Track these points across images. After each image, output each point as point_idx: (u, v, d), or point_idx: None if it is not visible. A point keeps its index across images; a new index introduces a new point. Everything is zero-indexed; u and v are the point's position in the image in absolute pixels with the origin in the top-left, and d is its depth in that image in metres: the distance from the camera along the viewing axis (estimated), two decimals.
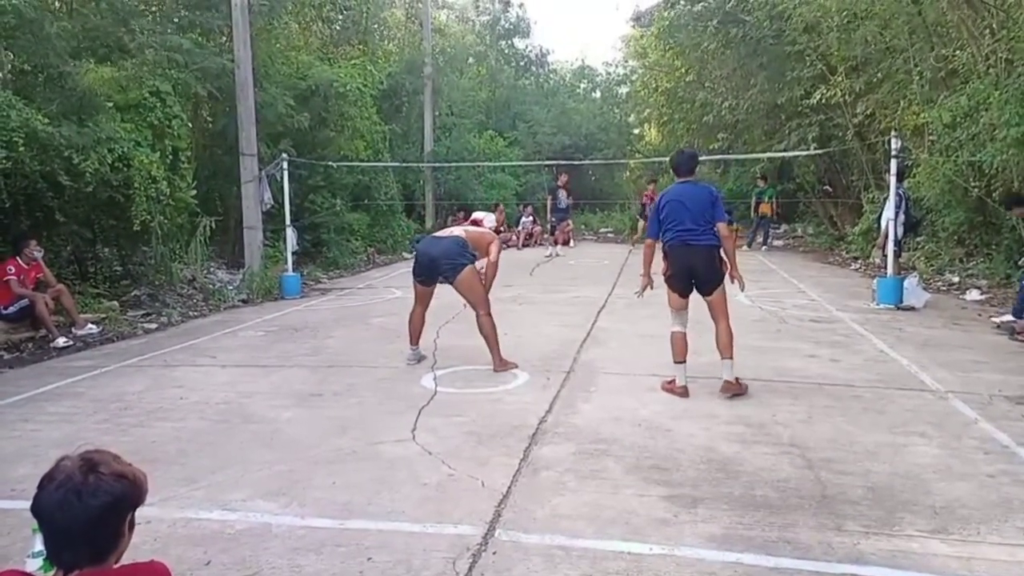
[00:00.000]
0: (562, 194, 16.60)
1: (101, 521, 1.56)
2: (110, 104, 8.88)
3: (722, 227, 5.13)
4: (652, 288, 5.46)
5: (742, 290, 5.45)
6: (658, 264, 5.30)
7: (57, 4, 10.38)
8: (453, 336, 7.29)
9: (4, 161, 7.00)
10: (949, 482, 3.64)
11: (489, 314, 6.02)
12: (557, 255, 15.49)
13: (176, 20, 11.53)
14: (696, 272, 5.15)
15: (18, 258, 7.69)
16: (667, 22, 18.02)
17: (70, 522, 1.54)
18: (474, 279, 5.99)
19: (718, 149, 18.08)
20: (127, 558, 1.69)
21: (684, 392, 5.17)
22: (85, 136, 8.01)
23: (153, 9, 11.55)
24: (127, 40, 9.85)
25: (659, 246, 5.35)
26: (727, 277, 5.22)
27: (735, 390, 5.10)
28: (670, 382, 5.31)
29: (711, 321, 5.29)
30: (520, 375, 5.84)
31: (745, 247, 15.64)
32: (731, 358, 5.15)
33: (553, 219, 16.73)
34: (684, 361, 5.22)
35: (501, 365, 6.00)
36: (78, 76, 8.46)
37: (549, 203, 16.98)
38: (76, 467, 1.58)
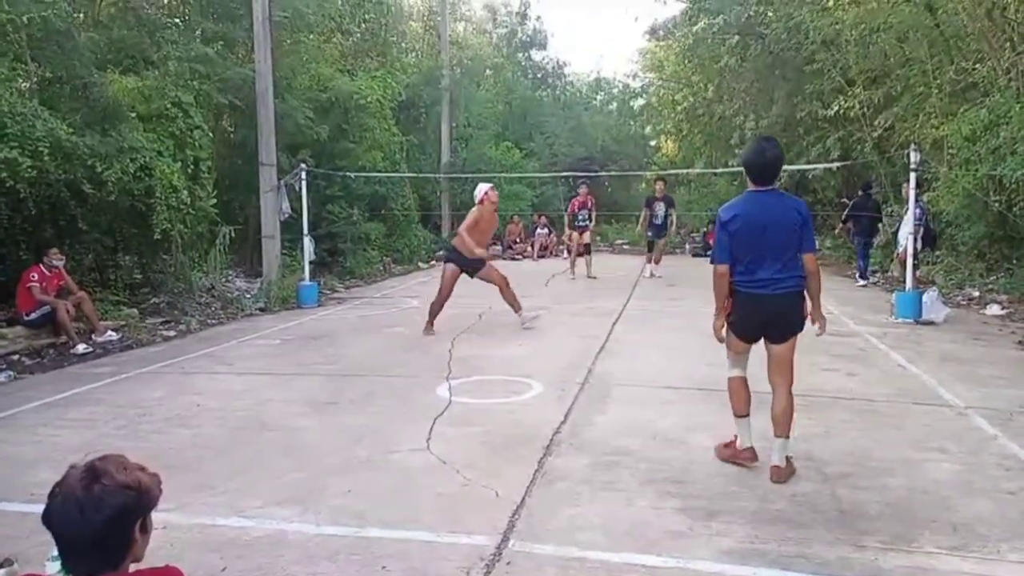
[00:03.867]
0: (659, 207, 13.35)
1: (106, 533, 1.56)
2: (133, 114, 9.03)
3: (810, 260, 3.90)
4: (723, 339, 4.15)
5: (819, 334, 4.06)
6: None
7: (82, 16, 10.56)
8: (468, 346, 7.31)
9: (29, 170, 7.12)
10: (969, 498, 3.59)
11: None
12: (654, 275, 13.20)
13: (200, 31, 11.71)
14: (770, 324, 3.95)
15: (41, 265, 7.82)
16: (691, 39, 17.83)
17: (75, 534, 1.55)
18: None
19: (737, 164, 18.01)
20: (144, 563, 1.70)
21: (752, 456, 4.01)
22: (108, 145, 8.14)
23: (177, 20, 11.73)
24: (152, 52, 10.00)
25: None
26: (807, 320, 3.99)
27: (789, 474, 3.85)
28: (728, 444, 4.15)
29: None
30: (535, 386, 5.84)
31: None
32: (788, 436, 3.91)
33: (650, 234, 13.64)
34: (747, 414, 4.05)
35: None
36: (102, 86, 8.61)
37: (644, 215, 13.64)
38: (78, 479, 1.57)
